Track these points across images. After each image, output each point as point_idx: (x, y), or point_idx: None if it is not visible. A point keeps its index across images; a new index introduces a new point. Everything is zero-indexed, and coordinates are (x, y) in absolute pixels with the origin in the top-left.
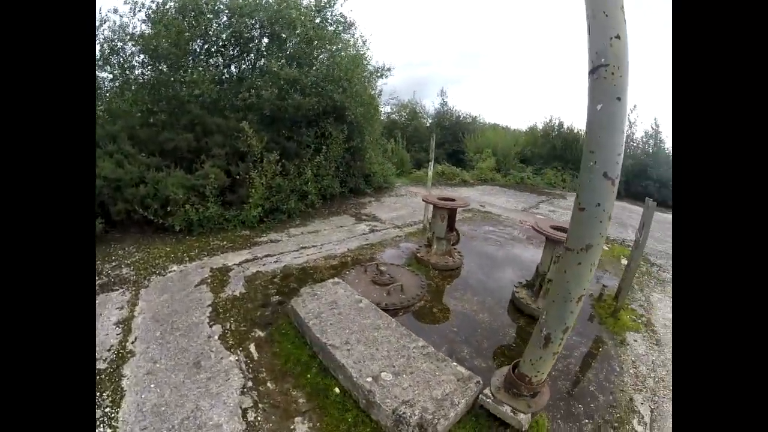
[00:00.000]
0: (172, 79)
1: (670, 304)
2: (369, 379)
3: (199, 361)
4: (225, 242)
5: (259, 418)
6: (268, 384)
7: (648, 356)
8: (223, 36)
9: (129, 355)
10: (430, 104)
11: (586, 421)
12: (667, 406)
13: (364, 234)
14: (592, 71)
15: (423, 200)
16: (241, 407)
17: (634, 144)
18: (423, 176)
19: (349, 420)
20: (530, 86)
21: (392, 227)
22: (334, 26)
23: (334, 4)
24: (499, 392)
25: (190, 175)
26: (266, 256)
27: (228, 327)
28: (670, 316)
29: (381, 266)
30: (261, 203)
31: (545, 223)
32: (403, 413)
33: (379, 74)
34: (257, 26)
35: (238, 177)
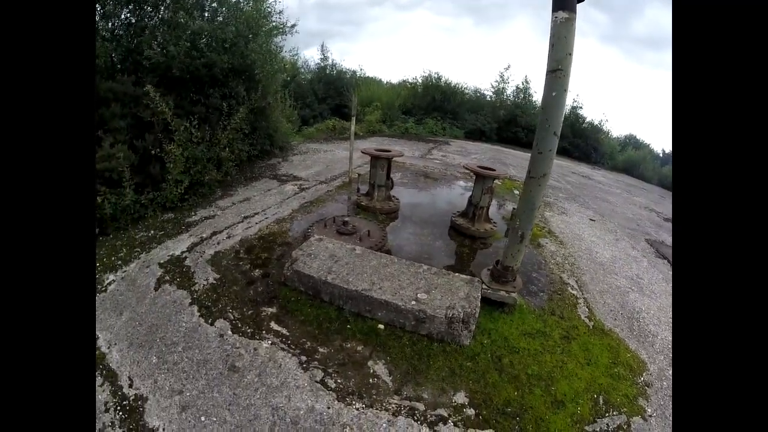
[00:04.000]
0: None
1: (560, 218)
2: (413, 303)
3: (233, 364)
4: (153, 231)
5: (338, 380)
6: (320, 349)
7: (558, 251)
8: None
9: (140, 404)
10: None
11: (542, 293)
12: (584, 278)
13: (296, 194)
14: (551, 72)
15: (363, 152)
16: (315, 381)
17: (505, 97)
18: (314, 132)
19: (406, 342)
20: (411, 41)
21: (318, 183)
22: None
23: None
24: (492, 284)
25: None
26: (214, 234)
27: (232, 317)
28: (563, 226)
29: (343, 218)
30: (181, 178)
31: (472, 166)
32: (452, 315)
33: (280, 30)
34: None
35: (149, 152)
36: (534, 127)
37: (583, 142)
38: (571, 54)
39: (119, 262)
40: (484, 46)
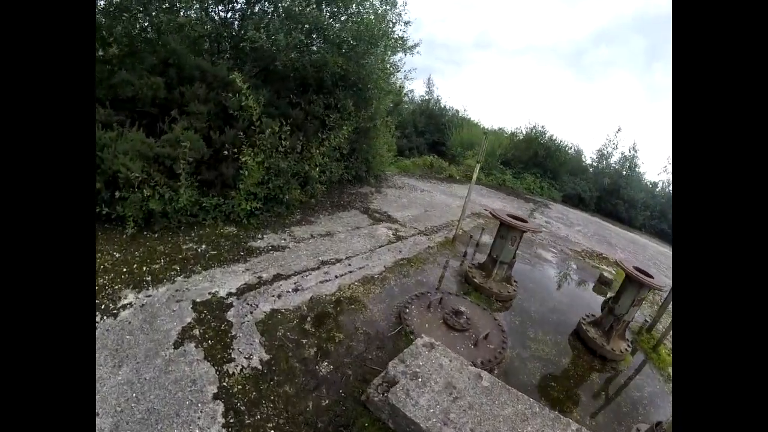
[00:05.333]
0: None
1: None
2: None
3: None
4: (204, 245)
5: None
6: None
7: None
8: None
9: None
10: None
11: None
12: None
13: (391, 242)
14: None
15: (491, 213)
16: None
17: (608, 164)
18: (410, 166)
19: None
20: (512, 88)
21: (417, 233)
22: None
23: None
24: None
25: (152, 139)
26: (277, 278)
27: None
28: None
29: (457, 307)
30: (255, 191)
31: (628, 266)
32: None
33: (402, 46)
34: None
35: (223, 150)
36: (636, 202)
37: None
38: None
39: (149, 277)
40: (583, 100)
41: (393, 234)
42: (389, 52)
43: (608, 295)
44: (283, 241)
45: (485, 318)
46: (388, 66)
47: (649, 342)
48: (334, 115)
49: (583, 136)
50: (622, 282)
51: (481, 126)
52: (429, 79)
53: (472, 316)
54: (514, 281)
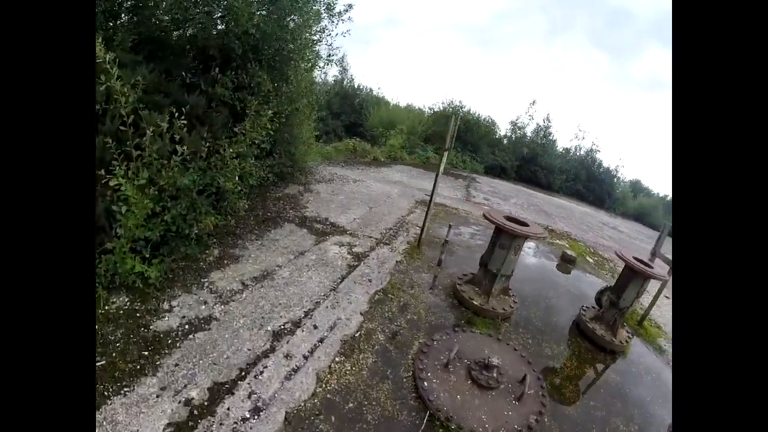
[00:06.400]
0: None
1: None
2: None
3: None
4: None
5: None
6: None
7: None
8: None
9: None
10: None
11: None
12: None
13: (351, 267)
14: None
15: (488, 218)
16: None
17: (525, 134)
18: (332, 153)
19: None
20: (424, 65)
21: (375, 243)
22: None
23: None
24: None
25: None
26: (216, 391)
27: None
28: None
29: (483, 359)
30: (143, 234)
31: (632, 261)
32: None
33: (331, 10)
34: None
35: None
36: (554, 168)
37: (598, 187)
38: None
39: None
40: (494, 74)
41: (348, 252)
42: (311, 18)
43: (603, 287)
44: (204, 307)
45: (505, 352)
46: (314, 30)
47: (633, 318)
48: (248, 98)
49: (497, 108)
50: (623, 274)
51: (398, 104)
52: (342, 58)
53: (503, 366)
54: (512, 293)
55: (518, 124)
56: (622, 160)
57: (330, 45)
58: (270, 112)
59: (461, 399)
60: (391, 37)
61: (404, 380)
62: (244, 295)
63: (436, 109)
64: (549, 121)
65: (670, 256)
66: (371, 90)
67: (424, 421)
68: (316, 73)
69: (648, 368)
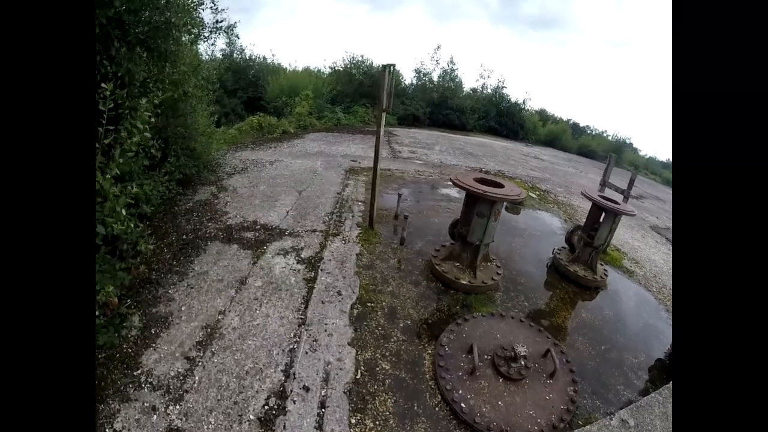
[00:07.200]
0: None
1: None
2: None
3: None
4: None
5: None
6: None
7: None
8: None
9: None
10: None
11: None
12: None
13: (309, 282)
14: None
15: (457, 184)
16: None
17: (431, 79)
18: (237, 135)
19: None
20: (315, 27)
21: (321, 238)
22: None
23: None
24: None
25: None
26: None
27: None
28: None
29: (504, 351)
30: None
31: (602, 202)
32: None
33: None
34: None
35: None
36: (464, 108)
37: (510, 121)
38: None
39: None
40: (381, 31)
41: (297, 261)
42: None
43: (572, 227)
44: (156, 417)
45: (516, 329)
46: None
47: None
48: (118, 92)
49: (398, 59)
50: (592, 213)
51: (297, 69)
52: (232, 26)
53: (504, 336)
54: (493, 260)
55: (423, 71)
56: (528, 93)
57: (215, 7)
58: (145, 101)
59: (503, 404)
60: (271, 2)
61: (437, 409)
62: (197, 378)
63: (337, 68)
64: (454, 64)
65: (618, 185)
66: (265, 58)
67: None
68: (203, 47)
69: (627, 292)
